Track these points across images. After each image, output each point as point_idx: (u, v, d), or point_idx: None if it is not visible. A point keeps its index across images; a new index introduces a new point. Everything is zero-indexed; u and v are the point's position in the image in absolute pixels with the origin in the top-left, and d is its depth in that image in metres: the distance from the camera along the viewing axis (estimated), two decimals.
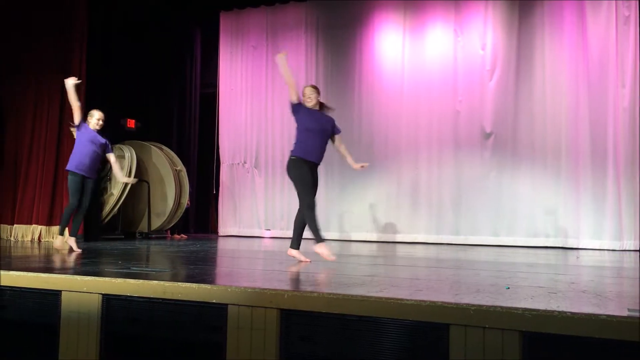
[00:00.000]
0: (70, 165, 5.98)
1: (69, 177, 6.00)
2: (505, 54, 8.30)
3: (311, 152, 4.99)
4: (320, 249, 4.98)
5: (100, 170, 8.53)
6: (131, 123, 9.45)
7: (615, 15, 7.65)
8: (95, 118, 6.16)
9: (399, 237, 8.76)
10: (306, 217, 4.94)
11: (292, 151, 5.02)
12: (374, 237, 8.88)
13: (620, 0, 7.63)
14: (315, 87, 5.26)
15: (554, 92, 7.96)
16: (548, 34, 8.06)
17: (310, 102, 5.13)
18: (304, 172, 4.94)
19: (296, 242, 5.12)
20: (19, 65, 8.44)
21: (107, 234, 8.53)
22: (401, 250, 7.43)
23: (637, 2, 7.54)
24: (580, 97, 7.80)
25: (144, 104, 9.87)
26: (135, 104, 9.67)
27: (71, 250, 6.03)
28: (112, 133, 8.97)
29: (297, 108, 5.09)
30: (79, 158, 5.97)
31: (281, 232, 9.64)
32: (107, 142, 6.26)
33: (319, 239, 4.97)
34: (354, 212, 9.13)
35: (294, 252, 5.13)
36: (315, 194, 5.01)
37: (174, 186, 8.95)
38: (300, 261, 5.03)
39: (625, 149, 7.53)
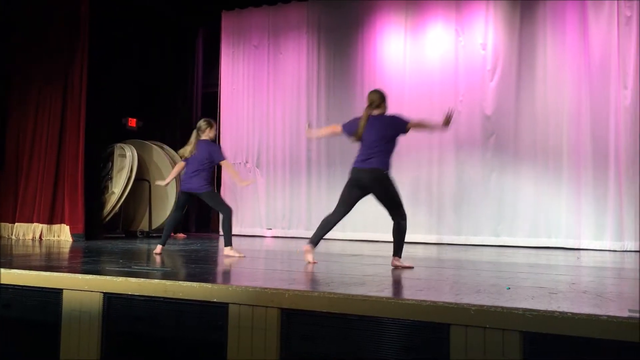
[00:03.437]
0: None
1: None
2: (507, 54, 8.28)
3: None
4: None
5: (102, 169, 8.56)
6: (132, 122, 9.47)
7: (617, 15, 7.63)
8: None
9: None
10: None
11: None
12: (375, 237, 8.86)
13: (622, 0, 7.62)
14: (379, 93, 5.07)
15: (556, 92, 7.95)
16: (550, 34, 8.05)
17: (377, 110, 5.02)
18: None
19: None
20: (23, 70, 8.46)
21: (108, 232, 8.55)
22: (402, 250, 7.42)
23: (639, 2, 7.53)
24: (582, 98, 7.79)
25: (146, 103, 9.88)
26: (137, 103, 9.68)
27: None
28: (113, 132, 9.02)
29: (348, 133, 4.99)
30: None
31: (282, 231, 9.64)
32: (213, 149, 5.91)
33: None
34: (357, 212, 9.08)
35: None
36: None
37: (175, 185, 8.94)
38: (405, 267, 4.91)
39: (627, 150, 7.51)
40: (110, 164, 8.61)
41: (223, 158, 5.97)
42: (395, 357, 3.04)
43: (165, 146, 9.39)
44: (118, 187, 8.41)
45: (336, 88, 9.39)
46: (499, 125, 8.27)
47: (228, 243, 5.82)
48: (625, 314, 2.70)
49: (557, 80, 7.95)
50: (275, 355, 3.16)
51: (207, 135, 5.86)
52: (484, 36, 8.44)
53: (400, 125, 5.08)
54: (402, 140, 8.74)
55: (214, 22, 10.31)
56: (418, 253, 6.94)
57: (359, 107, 9.19)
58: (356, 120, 4.99)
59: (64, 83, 8.21)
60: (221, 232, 6.09)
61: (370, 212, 8.94)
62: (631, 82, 7.51)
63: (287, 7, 9.80)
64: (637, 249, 7.04)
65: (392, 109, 8.96)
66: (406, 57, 8.93)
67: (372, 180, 4.89)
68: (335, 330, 3.15)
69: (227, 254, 5.76)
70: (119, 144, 8.77)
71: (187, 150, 5.84)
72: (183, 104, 10.29)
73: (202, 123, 5.89)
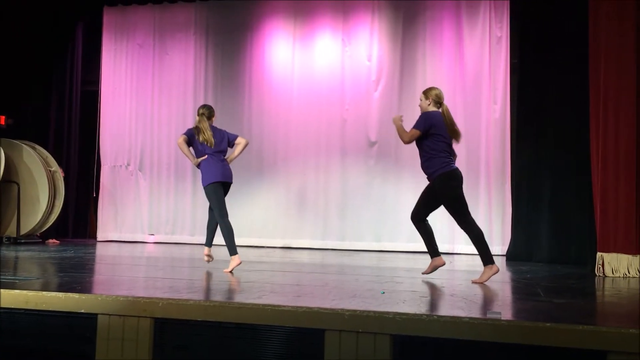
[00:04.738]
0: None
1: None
2: (390, 66, 8.60)
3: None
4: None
5: None
6: (1, 120, 8.76)
7: (489, 35, 8.19)
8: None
9: (286, 243, 8.79)
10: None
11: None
12: (261, 242, 8.84)
13: (494, 17, 8.17)
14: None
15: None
16: (429, 49, 8.46)
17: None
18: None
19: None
20: None
21: None
22: (287, 255, 7.47)
23: (508, 24, 8.13)
24: (456, 110, 8.21)
25: (17, 100, 9.17)
26: (6, 99, 8.95)
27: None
28: None
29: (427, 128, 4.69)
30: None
31: (166, 237, 9.34)
32: (226, 131, 5.46)
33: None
34: (242, 216, 9.03)
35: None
36: None
37: (47, 188, 8.39)
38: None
39: (496, 161, 8.07)
40: None
41: (237, 135, 5.50)
42: None
43: (37, 146, 8.76)
44: None
45: (224, 91, 9.27)
46: (382, 134, 8.55)
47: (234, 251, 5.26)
48: (485, 315, 2.88)
49: None
50: None
51: (212, 121, 5.38)
52: (369, 47, 8.71)
53: None
54: (290, 146, 8.93)
55: (95, 17, 9.80)
56: (303, 259, 7.00)
57: (246, 111, 9.16)
58: (439, 119, 4.70)
59: None
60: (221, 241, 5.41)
61: (257, 217, 8.96)
62: (500, 97, 8.09)
63: (174, 7, 9.54)
64: (503, 254, 7.55)
65: (281, 116, 9.08)
66: (294, 64, 9.01)
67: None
68: (211, 338, 3.09)
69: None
70: None
71: (211, 139, 5.18)
72: (59, 101, 9.65)
73: (207, 110, 5.34)
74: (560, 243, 6.75)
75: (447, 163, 4.68)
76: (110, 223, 9.55)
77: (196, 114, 5.40)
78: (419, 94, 8.36)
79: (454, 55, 8.33)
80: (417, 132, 4.71)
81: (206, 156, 5.17)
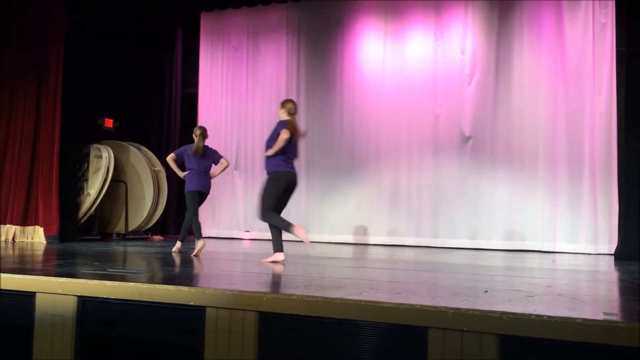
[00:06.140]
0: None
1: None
2: (485, 59, 8.36)
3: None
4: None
5: (78, 170, 8.45)
6: (109, 123, 9.35)
7: (592, 21, 7.76)
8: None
9: (379, 240, 8.77)
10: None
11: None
12: (354, 240, 8.89)
13: (598, 2, 7.74)
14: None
15: (532, 96, 8.05)
16: (527, 39, 8.15)
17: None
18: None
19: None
20: None
21: (83, 234, 8.42)
22: (380, 252, 7.45)
23: (614, 9, 7.66)
24: (558, 102, 7.90)
25: (123, 104, 9.76)
26: (114, 103, 9.56)
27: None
28: (89, 133, 8.90)
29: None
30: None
31: (260, 233, 9.57)
32: (215, 151, 6.51)
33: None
34: (335, 214, 9.13)
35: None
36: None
37: (152, 187, 8.86)
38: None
39: (601, 155, 7.63)
40: (86, 164, 8.50)
41: (222, 157, 6.47)
42: None
43: (142, 147, 9.29)
44: (94, 188, 8.30)
45: (315, 90, 9.39)
46: (477, 129, 8.34)
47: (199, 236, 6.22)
48: (600, 316, 2.73)
49: (533, 84, 8.04)
50: (253, 359, 3.14)
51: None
52: (462, 41, 8.51)
53: None
54: (382, 143, 8.90)
55: (193, 23, 10.25)
56: (396, 255, 6.96)
57: (338, 109, 9.23)
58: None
59: (38, 82, 8.08)
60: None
61: (349, 215, 8.99)
62: (605, 88, 7.64)
63: (267, 8, 9.77)
64: (611, 252, 7.14)
65: (372, 113, 9.07)
66: (385, 61, 8.96)
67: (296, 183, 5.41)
68: (313, 333, 3.13)
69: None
70: (95, 145, 8.66)
71: (201, 148, 6.24)
72: (161, 104, 10.17)
73: (203, 130, 6.33)
74: None
75: (281, 165, 5.29)
76: (209, 220, 9.93)
77: (194, 134, 6.29)
78: (515, 86, 8.19)
79: (554, 44, 7.96)
80: (287, 132, 5.22)
81: (189, 171, 6.28)
